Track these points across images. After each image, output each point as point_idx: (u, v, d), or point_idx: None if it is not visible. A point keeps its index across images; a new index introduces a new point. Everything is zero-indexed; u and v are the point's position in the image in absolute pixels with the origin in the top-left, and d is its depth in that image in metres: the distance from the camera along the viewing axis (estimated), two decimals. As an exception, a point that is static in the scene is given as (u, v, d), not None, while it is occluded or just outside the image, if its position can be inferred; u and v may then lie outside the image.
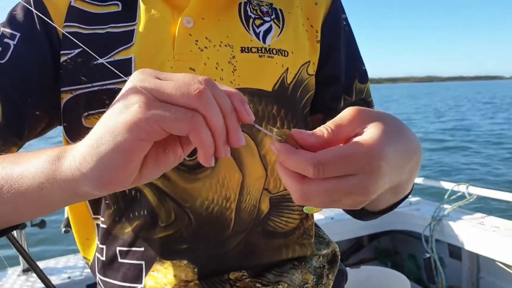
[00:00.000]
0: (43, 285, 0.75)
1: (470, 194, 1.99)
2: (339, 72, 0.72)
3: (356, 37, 0.78)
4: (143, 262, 0.63)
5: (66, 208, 1.33)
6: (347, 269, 0.82)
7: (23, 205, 0.46)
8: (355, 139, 0.37)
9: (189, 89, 0.36)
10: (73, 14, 0.62)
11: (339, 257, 0.77)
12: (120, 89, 0.39)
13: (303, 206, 0.46)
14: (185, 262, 0.62)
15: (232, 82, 0.62)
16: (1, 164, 0.47)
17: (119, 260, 0.64)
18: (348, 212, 0.68)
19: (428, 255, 2.01)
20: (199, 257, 0.63)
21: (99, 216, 0.66)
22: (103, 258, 0.66)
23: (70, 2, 0.63)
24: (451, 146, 11.39)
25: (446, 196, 2.06)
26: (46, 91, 0.62)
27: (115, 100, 0.39)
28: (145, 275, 0.63)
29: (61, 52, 0.61)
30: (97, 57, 0.46)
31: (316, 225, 0.77)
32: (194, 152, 0.61)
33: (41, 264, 1.63)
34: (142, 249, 0.63)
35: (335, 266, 0.74)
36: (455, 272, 2.06)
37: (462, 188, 2.03)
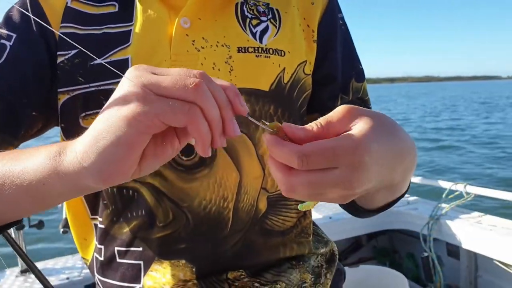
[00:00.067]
0: (42, 286, 0.75)
1: (467, 193, 2.00)
2: (336, 72, 0.72)
3: (354, 37, 0.78)
4: (141, 262, 0.63)
5: (65, 209, 1.33)
6: (346, 268, 0.83)
7: (24, 200, 0.47)
8: (342, 134, 0.38)
9: (186, 83, 0.37)
10: (70, 15, 0.62)
11: (337, 256, 0.77)
12: None
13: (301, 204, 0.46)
14: (183, 261, 0.62)
15: None
16: (1, 161, 0.48)
17: (118, 260, 0.64)
18: (346, 209, 0.68)
19: (426, 254, 2.02)
20: (197, 256, 0.63)
21: (97, 216, 0.66)
22: (102, 258, 0.66)
23: (67, 2, 0.63)
24: (445, 145, 11.44)
25: (443, 195, 2.07)
26: (43, 91, 0.62)
27: (112, 96, 0.39)
28: (144, 275, 0.63)
29: (58, 53, 0.61)
30: (94, 57, 0.46)
31: (314, 224, 0.77)
32: (191, 152, 0.61)
33: (40, 265, 1.63)
34: (140, 249, 0.63)
35: (333, 265, 0.75)
36: (453, 270, 2.07)
37: (459, 187, 2.04)
